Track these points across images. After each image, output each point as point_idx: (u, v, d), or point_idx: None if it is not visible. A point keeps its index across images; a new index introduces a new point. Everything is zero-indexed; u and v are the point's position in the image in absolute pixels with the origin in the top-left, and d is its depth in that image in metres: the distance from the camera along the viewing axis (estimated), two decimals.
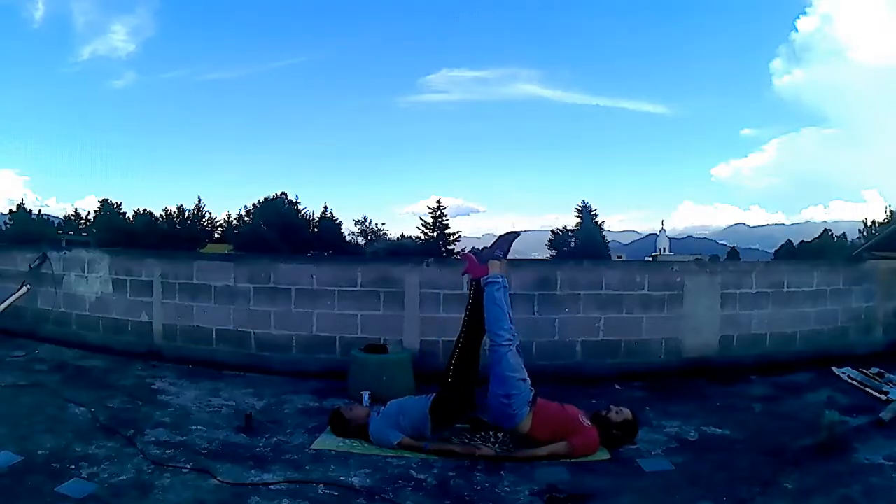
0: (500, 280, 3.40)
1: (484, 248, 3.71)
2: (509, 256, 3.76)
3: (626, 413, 3.34)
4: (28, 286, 5.64)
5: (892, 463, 3.08)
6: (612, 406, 3.38)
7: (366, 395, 3.96)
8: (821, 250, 48.03)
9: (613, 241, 70.51)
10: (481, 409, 3.43)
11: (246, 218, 52.04)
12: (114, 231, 44.55)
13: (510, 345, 3.27)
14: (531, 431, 3.21)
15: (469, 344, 3.38)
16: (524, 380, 3.25)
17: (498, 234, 3.82)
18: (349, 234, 54.89)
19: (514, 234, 3.67)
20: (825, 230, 57.83)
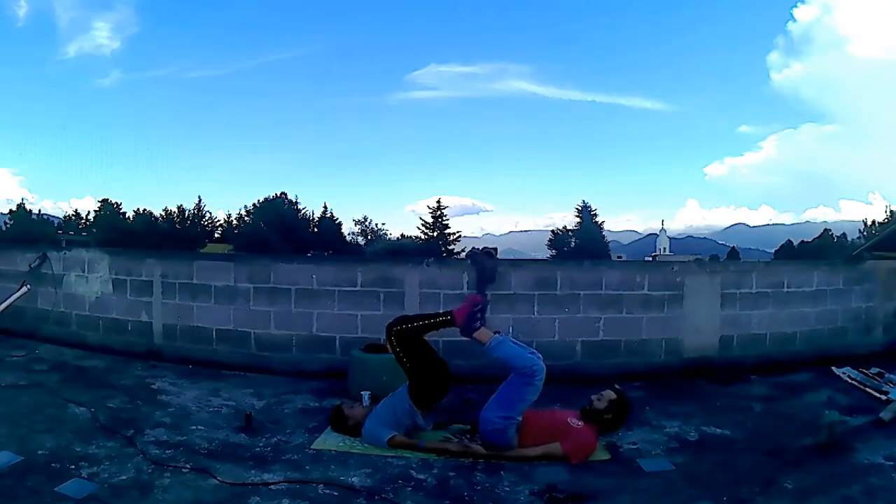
0: (495, 340, 3.28)
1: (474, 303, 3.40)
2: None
3: (609, 394, 3.30)
4: (28, 286, 5.64)
5: (892, 463, 3.08)
6: (591, 396, 3.33)
7: (366, 395, 3.96)
8: (821, 250, 48.04)
9: (613, 241, 70.52)
10: (471, 413, 3.43)
11: (246, 218, 52.13)
12: (114, 231, 44.57)
13: (536, 375, 3.15)
14: (520, 445, 3.20)
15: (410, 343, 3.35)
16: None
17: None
18: (349, 234, 55.02)
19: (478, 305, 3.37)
20: (825, 230, 57.91)
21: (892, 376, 4.73)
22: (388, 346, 3.39)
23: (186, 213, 52.36)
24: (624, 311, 5.06)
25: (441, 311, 3.49)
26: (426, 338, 3.43)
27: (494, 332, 3.35)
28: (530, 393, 3.18)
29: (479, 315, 3.34)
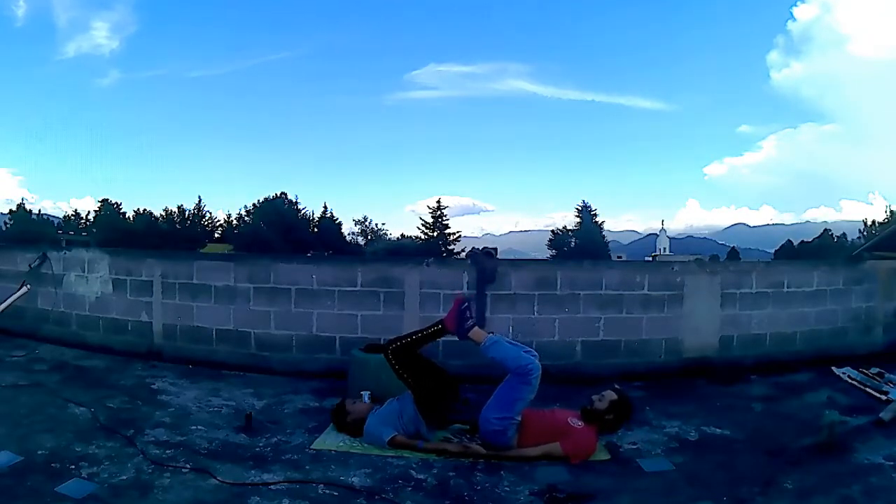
0: (490, 340, 3.30)
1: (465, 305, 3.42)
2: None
3: (610, 394, 3.30)
4: (28, 286, 5.63)
5: (892, 463, 3.08)
6: (592, 396, 3.33)
7: (366, 394, 3.96)
8: (821, 250, 48.06)
9: (613, 241, 70.56)
10: (469, 412, 3.44)
11: (246, 218, 52.20)
12: (114, 231, 44.63)
13: (532, 373, 3.15)
14: (520, 444, 3.20)
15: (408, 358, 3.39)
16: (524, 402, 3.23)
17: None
18: (349, 234, 55.09)
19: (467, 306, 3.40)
20: (825, 230, 57.94)
21: (892, 376, 4.73)
22: (389, 365, 3.40)
23: (186, 213, 52.50)
24: (624, 311, 5.06)
25: (431, 324, 3.48)
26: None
27: (489, 333, 3.36)
28: (527, 392, 3.18)
29: (468, 313, 3.35)
